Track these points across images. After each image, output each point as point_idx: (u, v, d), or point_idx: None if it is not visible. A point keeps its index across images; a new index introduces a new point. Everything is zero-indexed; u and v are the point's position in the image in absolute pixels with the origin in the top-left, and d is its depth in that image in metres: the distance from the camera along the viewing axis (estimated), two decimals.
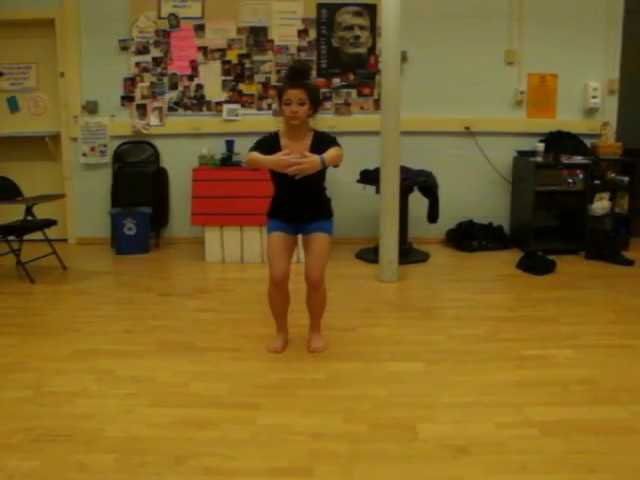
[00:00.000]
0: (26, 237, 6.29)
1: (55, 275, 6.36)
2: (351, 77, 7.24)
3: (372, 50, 7.18)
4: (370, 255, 6.57)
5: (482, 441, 3.11)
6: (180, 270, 6.59)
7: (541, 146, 6.90)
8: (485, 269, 6.34)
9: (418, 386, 3.76)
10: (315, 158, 3.83)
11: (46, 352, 4.37)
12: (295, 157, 3.83)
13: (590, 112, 7.29)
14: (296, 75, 4.06)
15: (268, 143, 4.11)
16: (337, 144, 4.06)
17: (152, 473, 2.91)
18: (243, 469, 2.93)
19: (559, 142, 7.03)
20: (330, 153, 3.93)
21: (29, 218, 6.30)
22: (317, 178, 4.02)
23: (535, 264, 6.14)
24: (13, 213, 6.46)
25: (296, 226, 4.24)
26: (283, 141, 4.12)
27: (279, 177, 4.06)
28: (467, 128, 7.23)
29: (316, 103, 4.09)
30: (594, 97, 7.17)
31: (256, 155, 3.99)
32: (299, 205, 4.18)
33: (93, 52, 7.37)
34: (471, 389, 3.70)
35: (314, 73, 7.16)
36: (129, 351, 4.37)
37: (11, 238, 6.19)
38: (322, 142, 4.06)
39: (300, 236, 4.32)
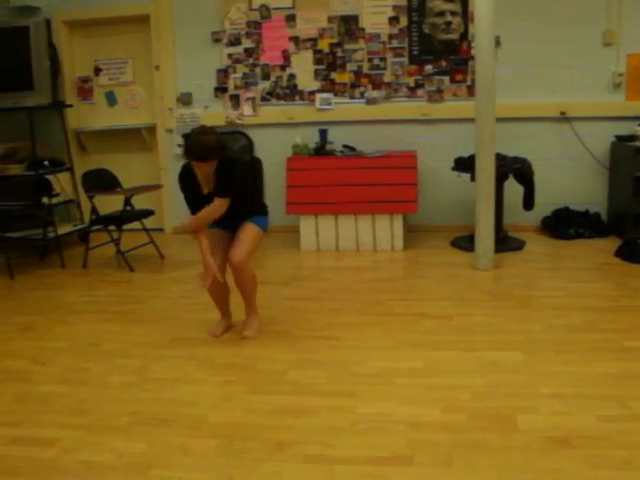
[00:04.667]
0: (125, 227, 6.51)
1: (153, 264, 6.56)
2: (443, 64, 7.17)
3: (464, 36, 7.10)
4: (465, 243, 6.53)
5: (584, 434, 3.05)
6: (276, 259, 6.67)
7: None
8: (582, 257, 6.19)
9: (517, 376, 3.72)
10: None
11: (147, 339, 4.53)
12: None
13: None
14: (202, 157, 4.06)
15: (190, 186, 4.28)
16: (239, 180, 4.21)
17: (253, 459, 2.99)
18: (343, 457, 2.97)
19: None
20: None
21: (128, 208, 6.52)
22: (238, 205, 4.26)
23: (635, 252, 5.97)
24: (112, 204, 6.69)
25: (232, 227, 4.38)
26: (197, 172, 4.21)
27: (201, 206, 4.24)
28: (563, 113, 7.07)
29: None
30: None
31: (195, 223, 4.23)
32: (229, 219, 4.34)
33: (187, 45, 7.55)
34: (571, 380, 3.64)
35: (406, 60, 7.17)
36: (227, 339, 4.48)
37: (111, 228, 6.44)
38: (224, 170, 4.15)
39: None
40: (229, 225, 4.39)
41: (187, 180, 4.28)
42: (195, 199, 4.25)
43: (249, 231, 4.30)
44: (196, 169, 4.14)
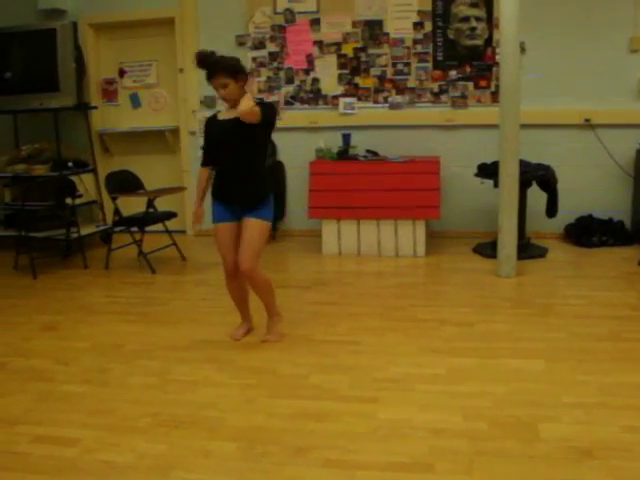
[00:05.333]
0: (147, 229, 6.54)
1: (175, 266, 6.59)
2: (467, 69, 7.15)
3: (489, 42, 7.07)
4: (487, 250, 6.49)
5: (607, 445, 3.02)
6: (297, 262, 6.71)
7: None
8: (605, 266, 6.14)
9: (539, 385, 3.70)
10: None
11: (168, 341, 4.54)
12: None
13: None
14: (203, 66, 4.22)
15: (210, 125, 4.34)
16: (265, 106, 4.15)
17: (273, 463, 2.99)
18: (363, 462, 2.96)
19: None
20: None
21: (151, 210, 6.56)
22: (248, 153, 4.24)
23: None
24: (135, 205, 6.73)
25: (237, 211, 4.30)
26: (223, 115, 4.30)
27: (214, 154, 4.32)
28: (587, 120, 7.02)
29: (238, 73, 4.15)
30: None
31: (198, 181, 4.47)
32: (233, 182, 4.28)
33: (211, 48, 7.25)
34: (594, 390, 3.60)
35: (430, 65, 7.17)
36: (248, 342, 4.48)
37: (134, 229, 6.49)
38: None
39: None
40: (233, 199, 4.30)
41: (210, 121, 4.36)
42: (211, 146, 4.33)
43: (253, 231, 4.20)
44: (219, 90, 4.18)
